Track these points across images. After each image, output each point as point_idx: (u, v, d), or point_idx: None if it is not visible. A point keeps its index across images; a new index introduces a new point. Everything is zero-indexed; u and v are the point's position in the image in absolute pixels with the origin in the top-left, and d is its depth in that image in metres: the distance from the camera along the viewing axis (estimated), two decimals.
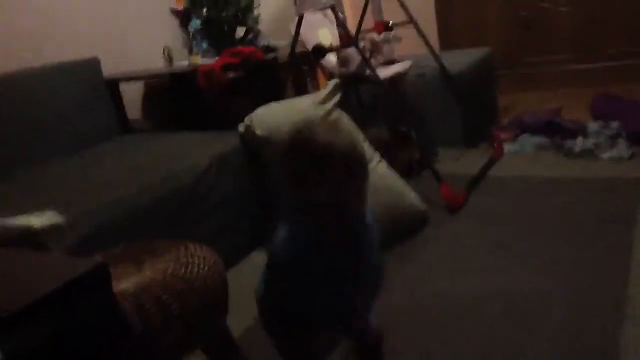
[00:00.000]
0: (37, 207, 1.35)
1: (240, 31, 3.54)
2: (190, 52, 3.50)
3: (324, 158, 1.06)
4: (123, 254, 1.14)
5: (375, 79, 2.58)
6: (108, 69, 2.91)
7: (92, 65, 2.81)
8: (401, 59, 3.11)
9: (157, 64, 3.33)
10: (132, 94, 3.18)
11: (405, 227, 2.29)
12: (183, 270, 1.04)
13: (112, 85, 2.93)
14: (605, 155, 2.79)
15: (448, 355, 1.59)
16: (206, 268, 1.08)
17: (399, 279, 1.99)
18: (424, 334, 1.69)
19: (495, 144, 3.10)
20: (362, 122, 2.54)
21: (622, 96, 3.40)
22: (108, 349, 0.75)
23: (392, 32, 2.92)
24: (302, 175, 1.08)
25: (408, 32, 3.10)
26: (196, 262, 1.08)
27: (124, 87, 3.03)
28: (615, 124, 2.98)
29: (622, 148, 2.80)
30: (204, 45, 3.44)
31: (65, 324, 0.70)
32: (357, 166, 1.10)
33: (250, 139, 2.38)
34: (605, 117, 3.11)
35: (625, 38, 4.05)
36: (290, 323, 1.21)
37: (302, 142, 1.10)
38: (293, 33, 2.74)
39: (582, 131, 3.02)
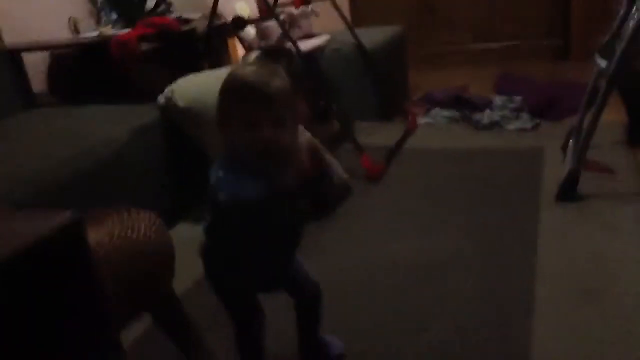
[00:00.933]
0: None
1: (150, 2, 3.41)
2: (98, 23, 3.34)
3: (257, 94, 1.08)
4: None
5: (296, 52, 2.59)
6: (8, 40, 2.71)
7: None
8: (318, 34, 3.14)
9: (62, 35, 3.15)
10: (36, 67, 2.99)
11: (329, 196, 2.33)
12: (129, 232, 1.02)
13: (15, 55, 2.73)
14: (511, 126, 2.98)
15: (368, 313, 1.66)
16: (152, 229, 1.07)
17: (318, 248, 2.01)
18: (345, 296, 1.73)
19: (409, 118, 3.22)
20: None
21: (522, 74, 3.64)
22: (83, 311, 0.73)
23: (310, 6, 2.94)
24: (237, 112, 1.10)
25: (324, 10, 3.14)
26: (142, 224, 1.06)
27: (27, 59, 2.84)
28: (518, 99, 3.19)
29: (525, 120, 3.00)
30: (114, 15, 3.28)
31: (40, 282, 0.67)
32: (290, 104, 1.13)
33: (171, 111, 2.32)
34: (508, 93, 3.32)
35: (517, 21, 4.31)
36: (233, 272, 1.22)
37: (237, 79, 1.12)
38: (210, 2, 2.68)
39: (488, 105, 3.21)
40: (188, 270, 1.42)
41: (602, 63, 2.04)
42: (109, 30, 3.05)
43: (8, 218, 0.73)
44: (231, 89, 1.13)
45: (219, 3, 2.71)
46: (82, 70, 2.96)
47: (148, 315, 1.20)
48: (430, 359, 1.44)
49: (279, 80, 1.12)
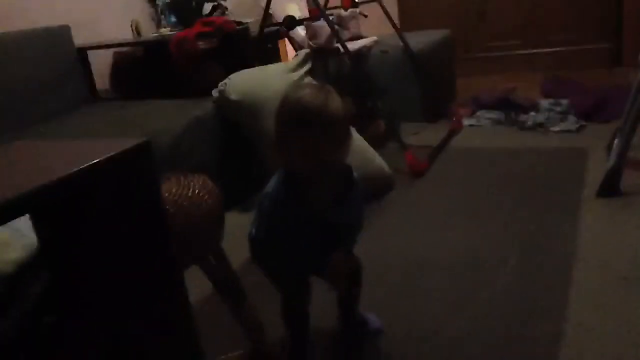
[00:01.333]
0: None
1: (207, 7, 3.59)
2: (159, 26, 3.54)
3: (315, 115, 1.13)
4: None
5: (344, 52, 2.69)
6: (77, 40, 2.92)
7: (63, 33, 2.82)
8: (366, 36, 3.23)
9: (126, 37, 3.35)
10: (100, 65, 3.20)
11: (372, 190, 2.42)
12: (184, 190, 1.13)
13: (82, 54, 2.94)
14: (555, 128, 2.99)
15: (410, 293, 1.74)
16: (205, 190, 1.18)
17: (366, 234, 2.09)
18: (390, 278, 1.82)
19: (454, 119, 3.27)
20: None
21: (570, 78, 3.63)
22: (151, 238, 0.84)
23: (359, 9, 3.04)
24: (293, 130, 1.15)
25: (372, 14, 3.24)
26: (196, 185, 1.17)
27: (92, 58, 3.05)
28: (565, 102, 3.20)
29: (570, 122, 3.01)
30: (172, 19, 3.47)
31: (103, 198, 0.78)
32: (347, 124, 1.18)
33: (224, 104, 2.46)
34: (555, 96, 3.33)
35: (568, 26, 4.29)
36: (284, 270, 1.34)
37: (295, 103, 1.17)
38: (263, 7, 2.83)
39: (534, 107, 3.23)
40: (234, 253, 1.50)
41: None
42: (168, 32, 3.23)
43: (88, 142, 0.85)
44: (290, 114, 1.16)
45: (272, 5, 2.85)
46: (143, 68, 3.15)
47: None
48: (465, 342, 1.50)
49: (336, 102, 1.17)
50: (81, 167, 0.70)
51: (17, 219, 0.98)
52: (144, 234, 0.91)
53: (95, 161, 0.71)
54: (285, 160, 1.21)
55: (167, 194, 1.10)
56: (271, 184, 1.27)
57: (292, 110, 1.16)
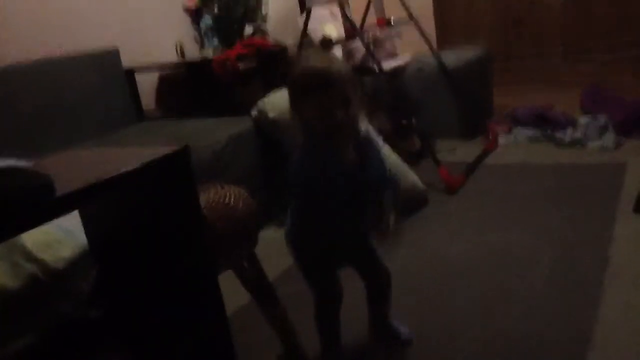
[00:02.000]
0: None
1: (248, 29, 3.73)
2: (202, 47, 3.69)
3: (320, 78, 1.24)
4: None
5: (378, 70, 2.76)
6: (124, 61, 3.08)
7: (112, 55, 2.98)
8: (402, 55, 3.30)
9: (170, 58, 3.51)
10: (146, 85, 3.35)
11: (407, 204, 2.47)
12: (222, 199, 1.22)
13: (129, 74, 3.09)
14: (593, 144, 2.98)
15: (445, 298, 1.78)
16: (240, 199, 1.26)
17: (402, 244, 2.17)
18: (425, 283, 1.88)
19: (490, 136, 3.29)
20: (365, 113, 2.71)
21: (609, 90, 3.58)
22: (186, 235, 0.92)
23: (394, 28, 3.12)
24: (304, 96, 1.25)
25: (408, 32, 3.30)
26: (232, 194, 1.26)
27: (139, 78, 3.20)
28: (603, 117, 3.17)
29: (608, 139, 2.98)
30: (215, 41, 3.62)
31: (146, 201, 0.87)
32: (353, 84, 1.27)
33: (263, 122, 2.56)
34: (594, 110, 3.31)
35: (611, 34, 4.21)
36: (319, 253, 1.39)
37: (302, 71, 1.28)
38: (301, 27, 2.93)
39: (572, 123, 3.21)
40: (269, 266, 1.57)
41: None
42: (210, 54, 3.37)
43: (133, 150, 0.94)
44: (299, 81, 1.28)
45: (311, 25, 2.95)
46: (187, 88, 3.29)
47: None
48: (495, 343, 1.53)
49: (338, 64, 1.30)
50: (127, 169, 0.78)
51: (69, 221, 1.08)
52: (183, 236, 0.99)
53: (139, 164, 0.79)
54: (303, 127, 1.30)
55: (204, 202, 1.18)
56: (294, 159, 1.34)
57: (299, 78, 1.28)
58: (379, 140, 2.58)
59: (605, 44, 4.24)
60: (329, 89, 1.23)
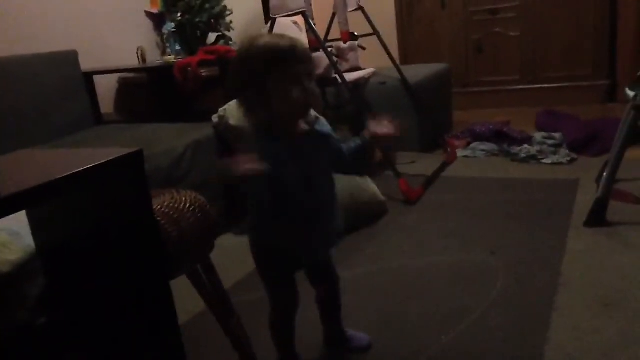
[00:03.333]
0: None
1: (212, 37, 3.71)
2: (163, 53, 3.65)
3: (300, 47, 1.19)
4: None
5: (341, 82, 2.78)
6: (83, 65, 3.02)
7: (70, 57, 2.92)
8: (365, 68, 3.33)
9: (131, 63, 3.46)
10: (106, 89, 3.29)
11: (367, 215, 2.48)
12: (176, 204, 1.19)
13: (88, 78, 3.03)
14: (547, 160, 3.06)
15: (400, 312, 1.78)
16: (195, 204, 1.24)
17: (362, 256, 2.18)
18: (381, 297, 1.88)
19: (448, 149, 3.34)
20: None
21: (564, 112, 3.72)
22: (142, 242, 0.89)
23: (357, 42, 3.15)
24: (271, 75, 1.18)
25: (372, 47, 3.34)
26: (187, 199, 1.23)
27: (98, 82, 3.14)
28: (557, 135, 3.27)
29: (562, 155, 3.07)
30: (177, 47, 3.59)
31: (98, 204, 0.84)
32: (302, 56, 1.21)
33: (223, 129, 2.54)
34: (549, 129, 3.41)
35: (563, 64, 4.41)
36: (279, 258, 1.36)
37: (260, 48, 1.20)
38: None
39: (527, 140, 3.30)
40: (225, 275, 1.55)
41: (631, 94, 2.14)
42: (172, 60, 3.34)
43: (86, 151, 0.91)
44: (265, 56, 1.18)
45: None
46: (147, 94, 3.24)
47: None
48: (449, 356, 1.54)
49: (301, 41, 1.24)
50: (78, 169, 0.76)
51: (17, 223, 1.04)
52: (135, 240, 0.96)
53: (91, 165, 0.77)
54: (261, 110, 1.21)
55: (159, 206, 1.16)
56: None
57: (266, 53, 1.18)
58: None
59: (559, 74, 4.42)
60: (302, 60, 1.19)
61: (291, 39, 1.22)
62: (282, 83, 1.18)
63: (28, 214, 0.99)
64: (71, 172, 0.76)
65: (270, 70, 1.18)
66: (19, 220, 1.00)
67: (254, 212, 1.36)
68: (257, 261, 1.40)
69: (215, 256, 1.41)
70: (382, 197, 2.60)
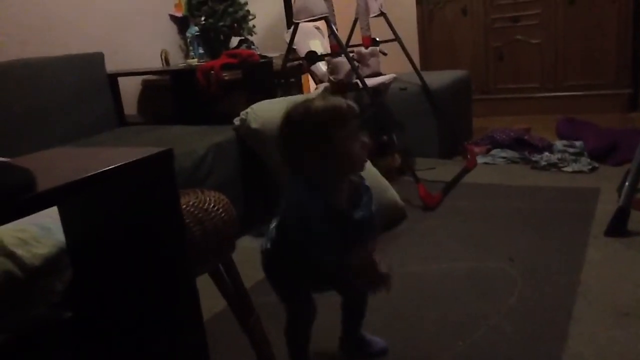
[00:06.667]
0: None
1: (234, 41, 3.76)
2: (187, 56, 3.70)
3: (352, 114, 1.27)
4: None
5: (362, 87, 2.80)
6: (108, 66, 3.07)
7: (96, 59, 2.97)
8: (386, 74, 3.34)
9: (155, 66, 3.51)
10: (129, 91, 3.35)
11: (385, 220, 2.49)
12: (201, 203, 1.22)
13: (113, 79, 3.09)
14: (568, 168, 3.04)
15: (416, 317, 1.79)
16: (219, 205, 1.27)
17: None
18: (398, 302, 1.88)
19: (468, 156, 3.34)
20: None
21: (583, 120, 3.70)
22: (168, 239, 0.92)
23: (379, 47, 3.16)
24: (339, 128, 1.26)
25: (392, 53, 3.36)
26: (211, 199, 1.26)
27: (122, 83, 3.19)
28: (578, 143, 3.25)
29: (583, 163, 3.06)
30: (200, 50, 3.63)
31: (127, 202, 0.87)
32: (355, 113, 1.29)
33: (245, 132, 2.57)
34: (570, 136, 3.40)
35: (584, 72, 4.38)
36: (298, 283, 1.40)
37: (316, 110, 1.28)
38: (287, 42, 2.96)
39: (548, 148, 3.29)
40: (246, 275, 1.55)
41: None
42: (195, 63, 3.38)
43: (117, 149, 0.94)
44: (322, 118, 1.27)
45: (297, 40, 2.98)
46: (170, 96, 3.29)
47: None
48: None
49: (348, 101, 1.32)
50: (109, 167, 0.79)
51: (47, 218, 1.07)
52: (162, 238, 0.99)
53: (122, 163, 0.80)
54: (315, 168, 1.29)
55: (184, 206, 1.18)
56: (292, 194, 1.34)
57: (332, 111, 1.27)
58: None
59: (580, 82, 4.40)
60: (355, 122, 1.27)
61: (340, 99, 1.30)
62: (345, 139, 1.26)
63: (60, 210, 1.02)
64: (103, 170, 0.78)
65: (335, 129, 1.25)
66: (50, 216, 1.03)
67: (278, 241, 1.39)
68: (276, 280, 1.43)
69: (235, 256, 1.43)
70: (401, 203, 2.60)
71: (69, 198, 0.84)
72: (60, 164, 0.90)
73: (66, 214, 1.01)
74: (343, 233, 1.35)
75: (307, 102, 1.31)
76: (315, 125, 1.27)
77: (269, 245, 1.41)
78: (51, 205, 0.75)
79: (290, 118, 1.31)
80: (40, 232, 1.05)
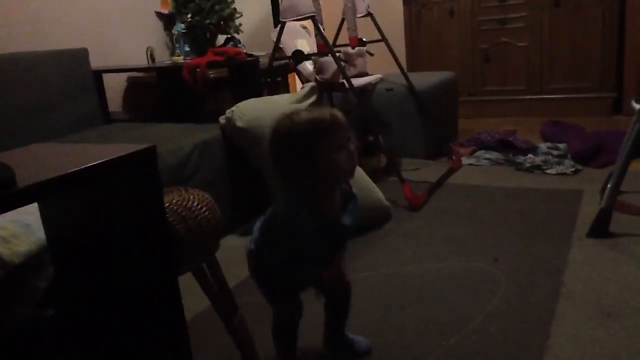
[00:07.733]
0: None
1: (221, 39, 3.74)
2: (172, 54, 3.68)
3: (342, 124, 1.27)
4: None
5: (348, 87, 2.79)
6: (92, 63, 3.04)
7: (80, 55, 2.94)
8: (372, 74, 3.35)
9: (140, 62, 3.48)
10: (114, 88, 3.32)
11: (371, 220, 2.49)
12: (184, 202, 1.21)
13: (97, 76, 3.06)
14: (552, 170, 3.07)
15: (400, 317, 1.79)
16: (203, 203, 1.26)
17: (365, 261, 2.19)
18: (382, 302, 1.88)
19: (453, 157, 3.35)
20: None
21: (569, 122, 3.73)
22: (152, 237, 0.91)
23: (365, 47, 3.16)
24: (330, 137, 1.25)
25: (379, 53, 3.36)
26: (195, 198, 1.25)
27: (107, 80, 3.17)
28: (562, 146, 3.28)
29: (567, 165, 3.08)
30: (186, 48, 3.61)
31: (109, 199, 0.86)
32: (342, 124, 1.28)
33: (230, 130, 2.56)
34: (553, 140, 3.43)
35: (569, 75, 4.42)
36: (284, 285, 1.40)
37: (306, 121, 1.28)
38: (274, 40, 2.95)
39: (532, 150, 3.31)
40: (230, 274, 1.55)
41: (636, 106, 2.15)
42: (180, 61, 3.36)
43: (100, 146, 0.93)
44: (313, 129, 1.26)
45: (284, 39, 2.97)
46: (155, 93, 3.27)
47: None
48: None
49: (337, 110, 1.32)
50: (91, 164, 0.77)
51: (28, 216, 1.06)
52: (144, 236, 0.98)
53: (104, 160, 0.79)
54: (304, 181, 1.29)
55: (167, 204, 1.17)
56: (279, 204, 1.35)
57: (314, 125, 1.26)
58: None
59: (565, 85, 4.44)
60: (347, 131, 1.27)
61: (329, 110, 1.30)
62: (329, 152, 1.25)
63: (40, 207, 1.01)
64: (85, 166, 0.77)
65: (319, 142, 1.25)
66: (31, 213, 1.02)
67: (264, 243, 1.39)
68: (262, 281, 1.43)
69: (219, 255, 1.42)
70: (386, 203, 2.61)
71: (49, 195, 0.83)
72: (41, 160, 0.89)
73: (47, 211, 1.00)
74: (330, 241, 1.37)
75: (292, 115, 1.32)
76: (299, 140, 1.27)
77: (253, 246, 1.41)
78: (31, 202, 0.74)
79: (276, 132, 1.32)
80: (20, 229, 1.03)
